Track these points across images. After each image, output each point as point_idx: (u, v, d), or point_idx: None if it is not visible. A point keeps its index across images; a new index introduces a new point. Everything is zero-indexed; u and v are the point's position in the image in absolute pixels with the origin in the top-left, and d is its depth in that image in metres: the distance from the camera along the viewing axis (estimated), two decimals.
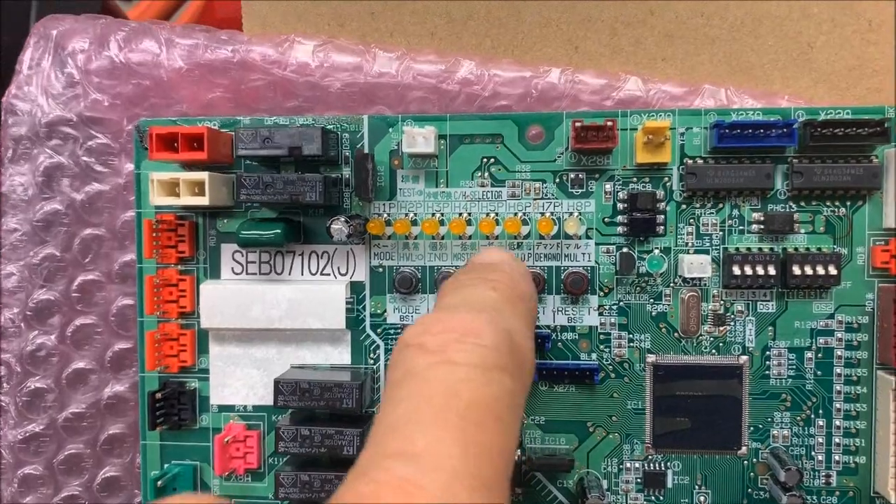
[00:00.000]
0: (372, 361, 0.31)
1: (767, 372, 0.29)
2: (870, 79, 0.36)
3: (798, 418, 0.29)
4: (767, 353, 0.29)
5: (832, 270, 0.28)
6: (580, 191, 0.30)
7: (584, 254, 0.30)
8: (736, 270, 0.28)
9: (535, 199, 0.30)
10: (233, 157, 0.30)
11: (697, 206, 0.29)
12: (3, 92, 0.35)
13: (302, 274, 0.31)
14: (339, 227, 0.28)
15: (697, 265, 0.29)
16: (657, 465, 0.30)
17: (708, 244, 0.29)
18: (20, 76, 0.34)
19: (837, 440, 0.29)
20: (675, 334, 0.29)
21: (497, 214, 0.30)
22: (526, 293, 0.23)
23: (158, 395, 0.30)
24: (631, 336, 0.30)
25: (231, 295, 0.30)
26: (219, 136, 0.29)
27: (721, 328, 0.29)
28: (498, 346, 0.18)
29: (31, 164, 0.34)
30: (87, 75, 0.34)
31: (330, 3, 0.36)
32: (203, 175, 0.28)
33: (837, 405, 0.29)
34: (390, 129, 0.30)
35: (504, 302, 0.21)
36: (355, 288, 0.31)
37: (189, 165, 0.30)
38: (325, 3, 0.36)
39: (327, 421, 0.29)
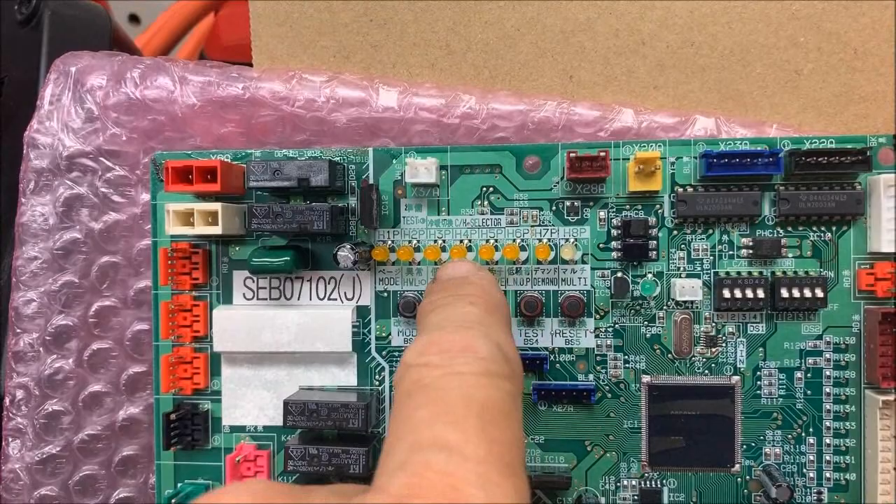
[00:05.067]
0: (377, 383, 0.32)
1: (759, 391, 0.30)
2: (856, 105, 0.37)
3: (789, 436, 0.30)
4: (758, 373, 0.30)
5: (819, 293, 0.29)
6: (575, 218, 0.31)
7: (580, 278, 0.31)
8: (726, 294, 0.29)
9: (532, 226, 0.31)
10: (244, 188, 0.32)
11: (688, 232, 0.30)
12: (19, 125, 0.36)
13: (310, 299, 0.32)
14: (345, 254, 0.29)
15: (689, 289, 0.30)
16: (653, 482, 0.30)
17: (699, 268, 0.30)
18: (41, 111, 0.36)
19: (828, 457, 0.30)
20: (669, 355, 0.30)
21: (496, 241, 0.31)
22: (499, 301, 0.25)
23: (172, 417, 0.31)
24: (626, 357, 0.31)
25: (243, 320, 0.31)
26: (231, 168, 0.31)
27: (713, 349, 0.30)
28: (493, 356, 0.20)
29: (52, 195, 0.36)
30: (105, 111, 0.35)
31: (334, 35, 0.38)
32: (216, 205, 0.30)
33: (827, 423, 0.30)
34: (394, 161, 0.31)
35: (484, 314, 0.23)
36: (361, 312, 0.32)
37: (203, 196, 0.31)
38: (330, 36, 0.38)
39: (334, 440, 0.30)
